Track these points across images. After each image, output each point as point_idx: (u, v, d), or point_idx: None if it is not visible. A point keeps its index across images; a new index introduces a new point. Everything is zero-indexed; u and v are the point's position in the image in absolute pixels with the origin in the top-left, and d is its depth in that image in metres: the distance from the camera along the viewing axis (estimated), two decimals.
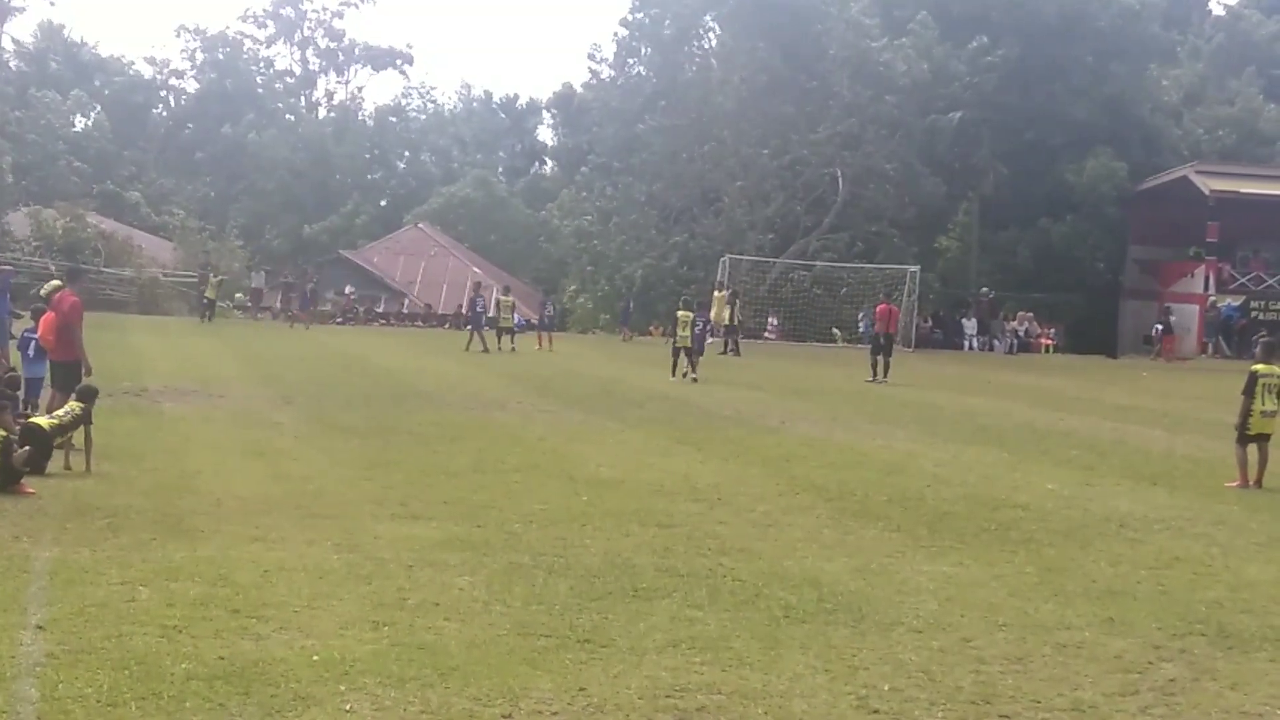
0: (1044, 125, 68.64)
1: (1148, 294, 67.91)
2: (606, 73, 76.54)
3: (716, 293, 49.57)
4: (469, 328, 47.44)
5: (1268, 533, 15.62)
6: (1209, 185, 61.59)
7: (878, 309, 40.51)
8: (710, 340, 46.80)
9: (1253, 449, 19.33)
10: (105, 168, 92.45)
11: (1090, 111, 68.08)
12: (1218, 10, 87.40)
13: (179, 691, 8.56)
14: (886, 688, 9.21)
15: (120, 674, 8.84)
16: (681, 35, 70.68)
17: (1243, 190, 61.34)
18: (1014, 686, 9.37)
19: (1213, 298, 61.50)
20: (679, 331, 35.49)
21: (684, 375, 34.94)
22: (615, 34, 73.75)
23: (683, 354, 35.11)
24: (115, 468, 16.80)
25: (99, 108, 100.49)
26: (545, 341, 47.82)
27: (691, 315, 36.23)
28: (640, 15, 71.74)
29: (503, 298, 48.07)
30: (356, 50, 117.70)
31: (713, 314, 46.85)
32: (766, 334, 61.18)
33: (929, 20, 67.72)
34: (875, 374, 37.78)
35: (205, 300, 57.14)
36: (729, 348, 48.11)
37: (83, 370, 19.20)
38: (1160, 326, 59.29)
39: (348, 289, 69.52)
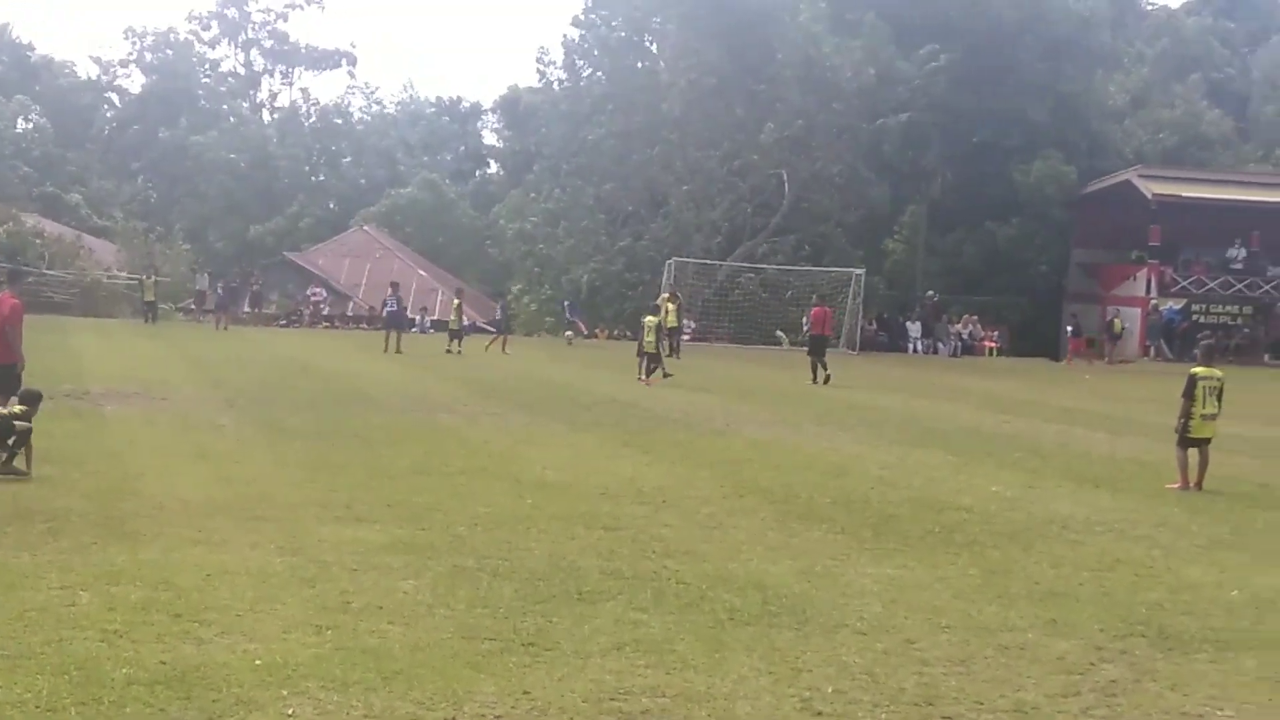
0: (993, 128, 68.91)
1: (1090, 297, 68.30)
2: (556, 75, 76.54)
3: (671, 304, 49.07)
4: (383, 328, 48.55)
5: (1209, 535, 15.73)
6: (1151, 189, 62.02)
7: (813, 311, 40.60)
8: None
9: (1194, 452, 19.46)
10: (48, 170, 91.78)
11: (1039, 115, 68.46)
12: (1161, 15, 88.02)
13: (119, 697, 8.50)
14: (830, 690, 9.23)
15: (60, 679, 8.77)
16: (631, 38, 70.69)
17: (1185, 194, 61.77)
18: (957, 688, 9.41)
19: (1154, 301, 61.91)
20: (644, 337, 35.96)
21: (665, 376, 35.81)
22: (564, 36, 73.86)
23: (647, 358, 35.55)
24: (56, 471, 16.67)
25: (37, 109, 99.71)
26: (500, 344, 48.15)
27: (656, 320, 37.21)
28: (591, 17, 71.74)
29: (455, 300, 48.32)
30: (301, 51, 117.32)
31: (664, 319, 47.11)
32: (685, 336, 60.90)
33: (878, 23, 67.89)
34: (815, 376, 37.84)
35: (145, 303, 56.90)
36: (672, 349, 48.04)
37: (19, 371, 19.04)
38: (1070, 329, 59.98)
39: (311, 291, 68.61)
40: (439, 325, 64.86)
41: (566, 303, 52.82)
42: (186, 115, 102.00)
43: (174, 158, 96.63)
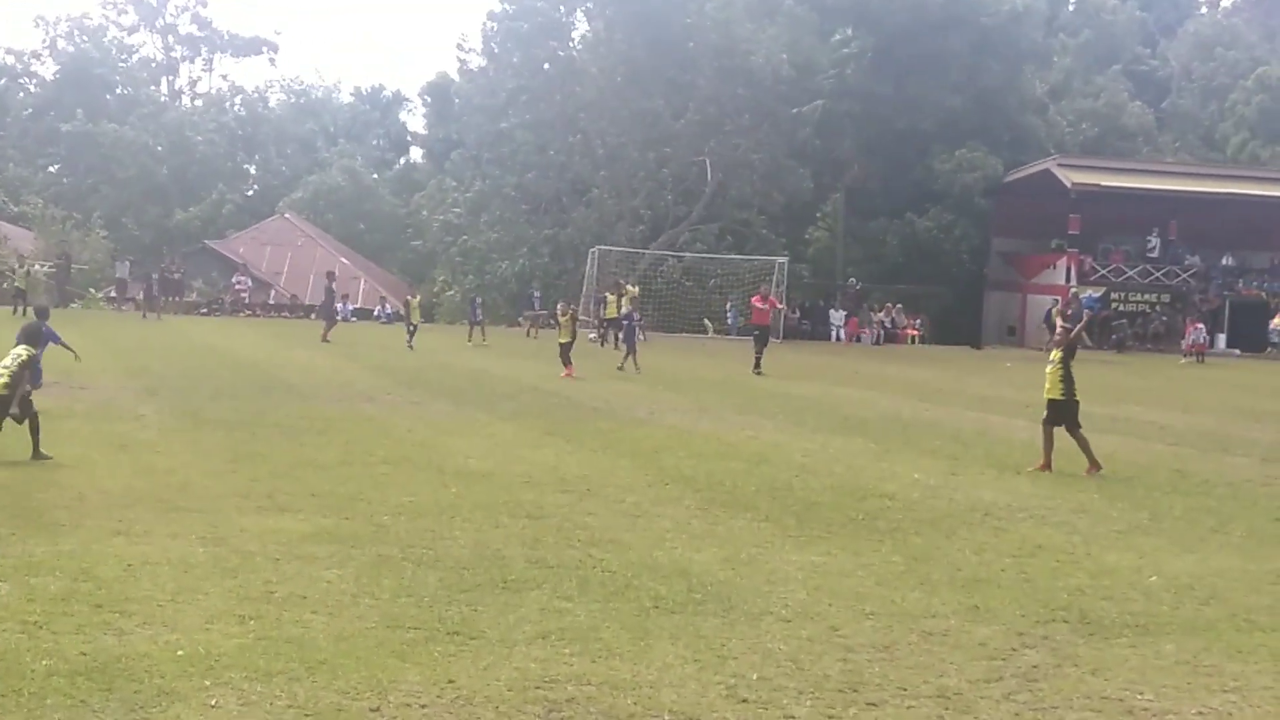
0: (915, 116, 69.29)
1: (1011, 285, 68.92)
2: (476, 63, 76.26)
3: (612, 294, 48.47)
4: (318, 316, 48.89)
5: (1127, 521, 15.89)
6: (1071, 178, 62.65)
7: (754, 299, 40.40)
8: (591, 337, 47.24)
9: (1062, 433, 19.78)
10: None
11: (962, 104, 68.86)
12: (1086, 5, 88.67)
13: (40, 688, 8.43)
14: (755, 677, 9.26)
15: None
16: (545, 28, 70.48)
17: (1104, 183, 62.46)
18: (881, 674, 9.46)
19: (1074, 289, 62.49)
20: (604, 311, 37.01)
21: (619, 368, 36.66)
22: (483, 26, 73.55)
23: (566, 350, 35.66)
24: None
25: None
26: (479, 334, 48.02)
27: (574, 310, 37.84)
28: (505, 8, 71.48)
29: (411, 299, 48.08)
30: (222, 38, 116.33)
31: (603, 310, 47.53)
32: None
33: (797, 9, 68.01)
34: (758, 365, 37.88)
35: (17, 289, 54.16)
36: (604, 341, 48.02)
37: None
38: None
39: (235, 280, 67.77)
40: (361, 314, 64.63)
41: (477, 300, 51.99)
42: (103, 101, 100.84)
43: (90, 144, 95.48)
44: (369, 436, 20.90)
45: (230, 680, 8.72)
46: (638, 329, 41.53)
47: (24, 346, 17.60)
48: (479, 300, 52.64)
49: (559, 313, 38.30)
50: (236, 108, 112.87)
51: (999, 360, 51.39)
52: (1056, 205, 63.55)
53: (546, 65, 69.57)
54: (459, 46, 77.33)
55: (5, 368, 17.28)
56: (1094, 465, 19.59)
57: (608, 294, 48.46)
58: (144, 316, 55.21)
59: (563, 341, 35.70)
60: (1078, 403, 20.06)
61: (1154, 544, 14.57)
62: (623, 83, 66.87)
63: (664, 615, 10.74)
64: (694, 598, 11.30)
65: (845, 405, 29.36)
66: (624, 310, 44.32)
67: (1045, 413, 20.17)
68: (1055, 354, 20.29)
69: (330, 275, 51.08)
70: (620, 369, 36.45)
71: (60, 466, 16.65)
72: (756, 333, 39.25)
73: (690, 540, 13.73)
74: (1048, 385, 20.09)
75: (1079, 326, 21.83)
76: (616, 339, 45.68)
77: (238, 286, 67.01)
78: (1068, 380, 19.91)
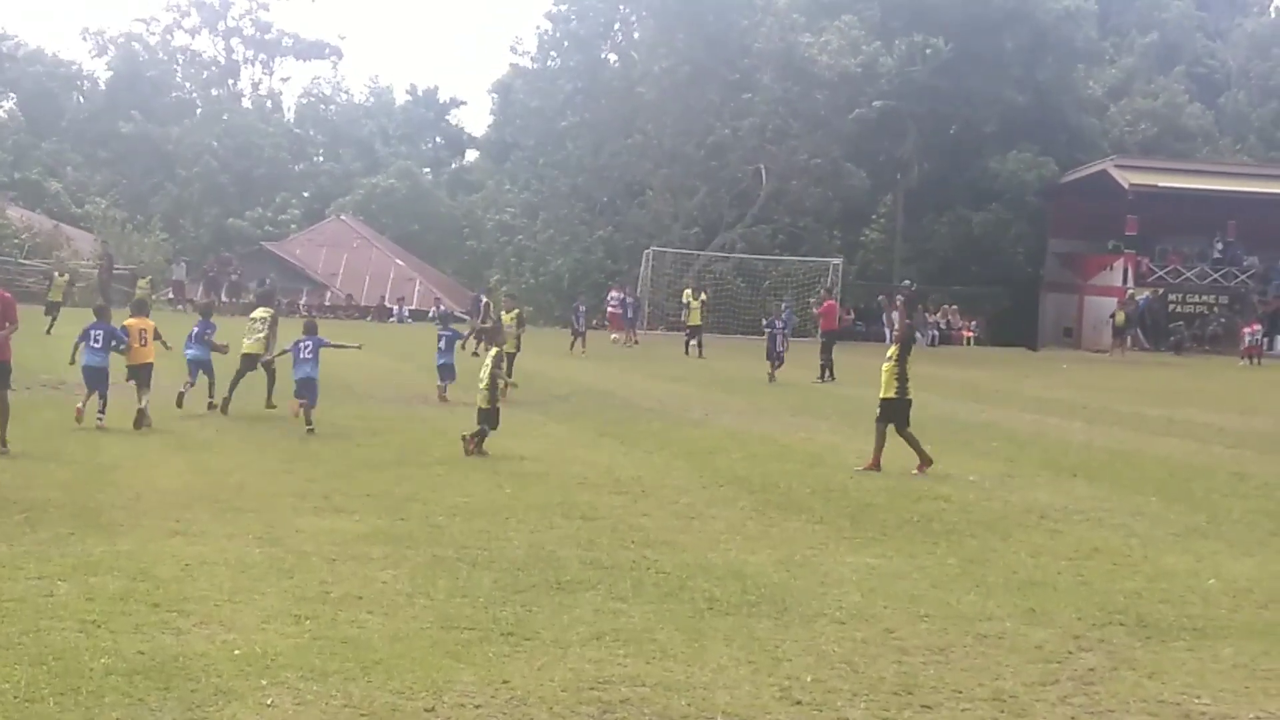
0: (972, 116, 68.97)
1: (1067, 287, 68.49)
2: (530, 66, 76.36)
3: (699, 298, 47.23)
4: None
5: (1185, 524, 15.78)
6: (1128, 179, 62.16)
7: (823, 305, 39.22)
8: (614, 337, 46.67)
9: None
10: (22, 158, 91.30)
11: (1019, 103, 68.45)
12: (1148, 5, 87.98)
13: (98, 687, 8.49)
14: (809, 679, 9.25)
15: (38, 669, 8.76)
16: (603, 28, 70.58)
17: (1161, 184, 61.94)
18: (936, 677, 9.43)
19: (1131, 290, 62.06)
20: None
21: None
22: (538, 27, 73.69)
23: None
24: (32, 461, 16.63)
25: (12, 96, 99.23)
26: (580, 345, 45.21)
27: (520, 311, 34.04)
28: (563, 8, 71.56)
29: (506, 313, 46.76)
30: (284, 41, 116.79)
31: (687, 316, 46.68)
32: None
33: (859, 11, 67.81)
34: (823, 375, 36.22)
35: (50, 303, 46.19)
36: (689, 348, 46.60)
37: None
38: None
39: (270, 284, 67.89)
40: (417, 315, 64.78)
41: (581, 307, 49.16)
42: (161, 103, 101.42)
43: (150, 146, 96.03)
44: (424, 437, 20.99)
45: (286, 680, 8.77)
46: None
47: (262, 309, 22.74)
48: (583, 308, 48.40)
49: (504, 309, 32.14)
50: (292, 111, 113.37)
51: (1055, 362, 51.09)
52: (1113, 206, 63.09)
53: (608, 64, 69.56)
54: (513, 49, 77.30)
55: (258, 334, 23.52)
56: (924, 463, 19.28)
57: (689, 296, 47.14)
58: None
59: (508, 352, 26.94)
60: (909, 401, 19.78)
61: (1212, 547, 14.47)
62: (681, 84, 66.80)
63: (718, 617, 10.73)
64: (748, 599, 11.29)
65: None
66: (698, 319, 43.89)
67: (878, 410, 19.81)
68: (892, 350, 20.09)
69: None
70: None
71: (118, 466, 16.77)
72: (826, 340, 37.54)
73: (745, 542, 13.72)
74: (882, 382, 19.77)
75: (905, 324, 21.69)
76: (699, 346, 44.81)
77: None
78: (902, 379, 19.65)
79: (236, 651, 9.28)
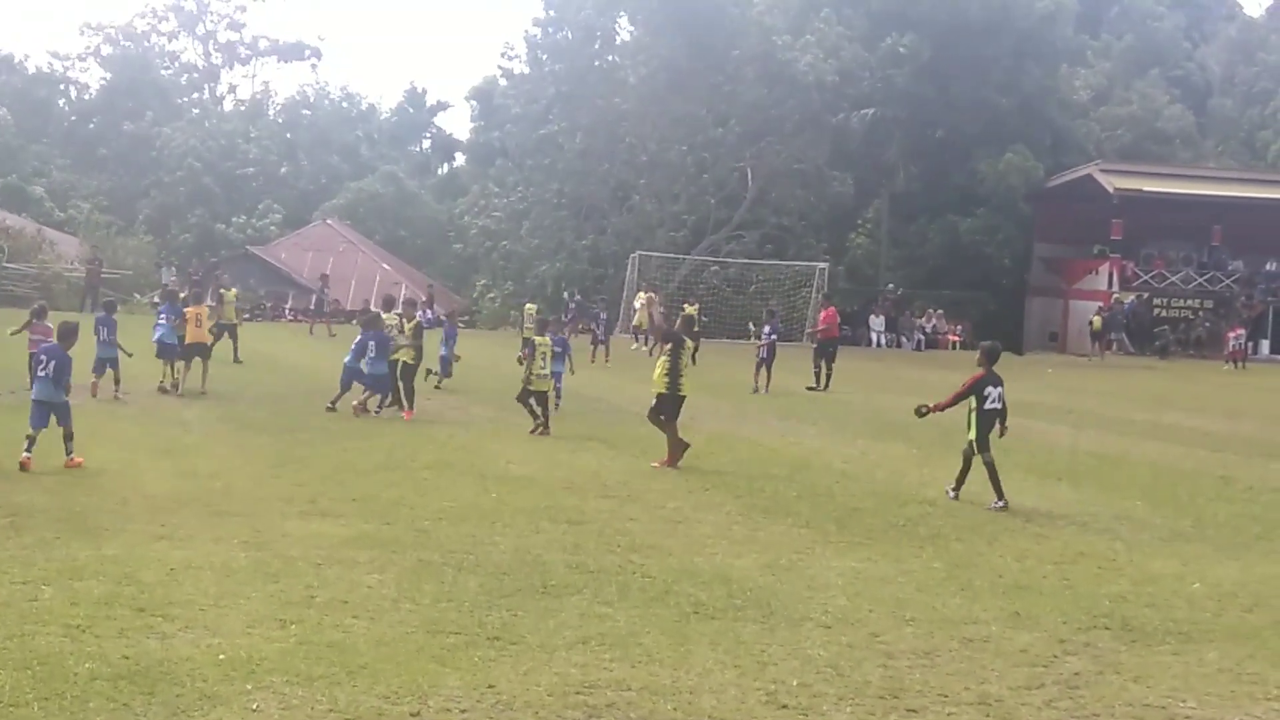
0: (958, 120, 69.03)
1: (1053, 291, 68.59)
2: (520, 70, 76.30)
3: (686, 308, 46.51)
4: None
5: (1170, 527, 15.83)
6: (1113, 183, 62.31)
7: (824, 313, 38.77)
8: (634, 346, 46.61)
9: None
10: (9, 161, 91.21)
11: (1004, 108, 68.53)
12: (1128, 8, 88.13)
13: (83, 692, 8.48)
14: (795, 683, 9.26)
15: (23, 674, 8.75)
16: (588, 35, 70.53)
17: (1146, 188, 62.07)
18: (921, 681, 9.45)
19: (1116, 295, 62.15)
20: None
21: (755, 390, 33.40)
22: (526, 33, 73.60)
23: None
24: (17, 465, 16.57)
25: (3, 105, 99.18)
26: (601, 355, 42.91)
27: (420, 320, 28.68)
28: (550, 14, 71.53)
29: (529, 306, 46.84)
30: (262, 44, 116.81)
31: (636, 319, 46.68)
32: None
33: (838, 18, 67.87)
34: (818, 382, 35.64)
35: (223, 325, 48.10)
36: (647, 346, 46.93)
37: None
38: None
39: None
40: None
41: (602, 315, 47.30)
42: (149, 107, 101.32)
43: (137, 150, 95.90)
44: (411, 441, 20.96)
45: (271, 684, 8.76)
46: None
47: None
48: (604, 315, 46.00)
49: (403, 319, 27.12)
50: (278, 115, 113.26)
51: (1041, 366, 51.10)
52: (1099, 210, 63.25)
53: (592, 69, 69.56)
54: (503, 54, 77.33)
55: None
56: (672, 460, 19.42)
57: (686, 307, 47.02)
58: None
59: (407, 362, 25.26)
60: (682, 397, 20.08)
61: (1197, 551, 14.51)
62: (665, 89, 66.83)
63: (704, 621, 10.74)
64: (734, 603, 11.30)
65: (886, 411, 29.27)
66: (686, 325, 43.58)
67: (652, 403, 20.12)
68: (664, 351, 20.40)
69: (324, 279, 54.73)
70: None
71: (104, 471, 16.74)
72: (825, 347, 36.67)
73: (731, 546, 13.73)
74: (654, 376, 20.11)
75: (661, 321, 22.09)
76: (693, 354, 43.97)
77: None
78: (673, 373, 19.93)
79: (221, 656, 9.28)
